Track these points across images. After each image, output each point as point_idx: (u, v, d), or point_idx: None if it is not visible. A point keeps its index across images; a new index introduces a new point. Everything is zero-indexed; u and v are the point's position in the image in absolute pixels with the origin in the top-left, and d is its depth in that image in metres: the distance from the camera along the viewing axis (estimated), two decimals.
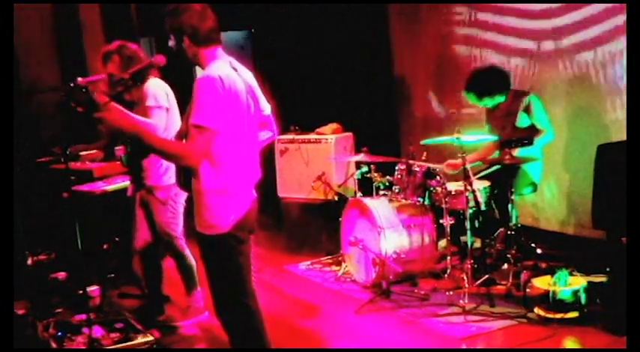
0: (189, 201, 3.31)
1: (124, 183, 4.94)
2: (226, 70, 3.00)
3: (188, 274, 4.59)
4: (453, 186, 4.94)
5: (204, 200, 3.03)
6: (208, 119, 2.87)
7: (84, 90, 3.27)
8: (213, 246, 3.07)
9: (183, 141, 3.16)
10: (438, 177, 4.96)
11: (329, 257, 5.86)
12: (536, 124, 5.09)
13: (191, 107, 2.94)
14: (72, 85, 3.42)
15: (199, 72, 3.11)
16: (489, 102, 5.21)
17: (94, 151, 5.40)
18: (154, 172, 4.33)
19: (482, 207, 4.81)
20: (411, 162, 5.18)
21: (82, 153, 5.43)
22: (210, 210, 3.02)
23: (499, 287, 4.73)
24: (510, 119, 5.17)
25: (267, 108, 3.36)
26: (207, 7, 3.09)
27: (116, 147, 4.83)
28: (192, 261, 4.54)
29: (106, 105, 3.00)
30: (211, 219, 3.03)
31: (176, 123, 4.20)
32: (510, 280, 4.71)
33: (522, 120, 5.13)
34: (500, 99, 5.19)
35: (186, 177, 3.11)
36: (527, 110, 5.10)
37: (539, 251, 5.12)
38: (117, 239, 5.46)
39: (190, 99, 2.97)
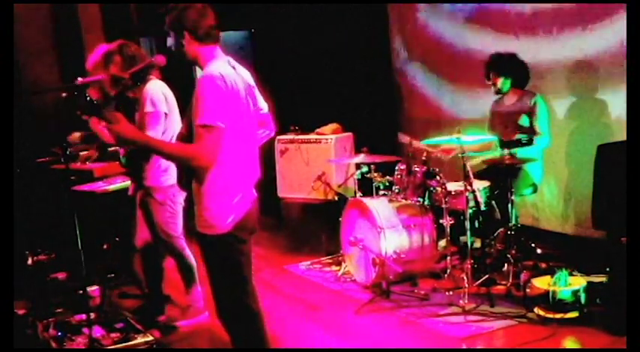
0: (189, 201, 3.30)
1: (124, 183, 4.94)
2: (226, 69, 3.00)
3: (188, 274, 4.59)
4: (453, 186, 4.94)
5: (205, 200, 3.03)
6: (215, 117, 2.86)
7: (87, 97, 3.27)
8: (214, 246, 3.07)
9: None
10: (438, 177, 4.96)
11: (329, 257, 5.86)
12: (536, 127, 5.10)
13: (193, 108, 2.93)
14: (75, 92, 3.41)
15: (199, 72, 3.10)
16: (502, 82, 5.21)
17: (89, 151, 5.40)
18: (153, 173, 4.32)
19: (482, 207, 4.81)
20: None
21: (81, 153, 5.44)
22: (211, 210, 3.02)
23: (499, 287, 4.72)
24: (514, 118, 5.17)
25: (265, 106, 3.37)
26: (207, 5, 3.10)
27: (114, 148, 4.84)
28: (192, 260, 4.54)
29: (115, 116, 3.00)
30: (211, 219, 3.03)
31: (176, 125, 4.20)
32: (510, 280, 4.71)
33: (524, 122, 5.14)
34: (507, 85, 5.22)
35: (187, 177, 3.10)
36: (531, 111, 5.10)
37: (539, 251, 5.12)
38: (117, 239, 5.46)
39: (191, 100, 2.96)
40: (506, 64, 5.26)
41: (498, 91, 5.29)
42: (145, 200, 4.42)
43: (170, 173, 4.24)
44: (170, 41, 3.10)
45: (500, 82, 5.22)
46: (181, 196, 4.34)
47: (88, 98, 3.26)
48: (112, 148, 5.27)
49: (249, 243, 3.17)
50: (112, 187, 4.99)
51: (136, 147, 3.44)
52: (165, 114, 4.20)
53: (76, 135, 5.39)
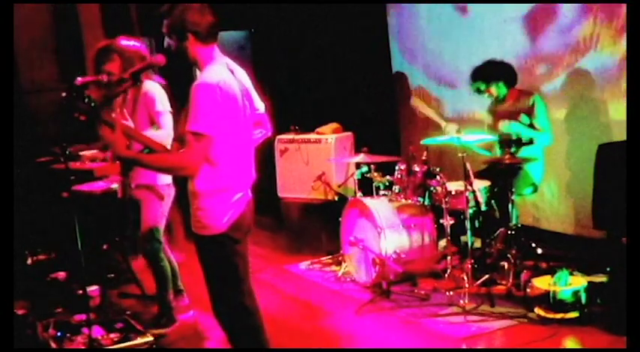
0: (185, 202, 3.30)
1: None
2: (224, 74, 2.99)
3: (164, 280, 4.53)
4: (453, 186, 4.94)
5: (200, 201, 3.03)
6: (205, 126, 2.86)
7: (86, 99, 3.27)
8: (210, 247, 3.07)
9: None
10: (438, 177, 4.96)
11: (329, 257, 5.86)
12: (536, 126, 5.09)
13: (187, 112, 2.93)
14: (74, 93, 3.41)
15: (198, 72, 3.10)
16: (495, 89, 5.21)
17: (94, 151, 5.40)
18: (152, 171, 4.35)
19: (483, 207, 4.81)
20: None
21: (82, 153, 5.43)
22: (206, 210, 3.03)
23: (499, 287, 4.73)
24: (514, 118, 5.16)
25: (261, 106, 3.37)
26: (206, 5, 3.10)
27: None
28: (167, 266, 4.54)
29: (115, 122, 3.02)
30: (206, 220, 3.03)
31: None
32: (510, 280, 4.71)
33: (524, 122, 5.13)
34: (502, 88, 5.20)
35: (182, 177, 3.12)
36: (529, 111, 5.09)
37: (539, 251, 5.11)
38: (117, 239, 5.46)
39: (187, 104, 2.96)
40: (490, 70, 5.24)
41: (497, 99, 5.28)
42: (139, 197, 4.41)
43: None
44: (168, 42, 3.09)
45: (494, 90, 5.21)
46: (172, 196, 4.40)
47: (86, 99, 3.26)
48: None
49: (245, 243, 3.17)
50: (115, 186, 4.98)
51: (123, 161, 3.48)
52: (170, 111, 4.26)
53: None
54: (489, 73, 5.24)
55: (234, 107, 3.00)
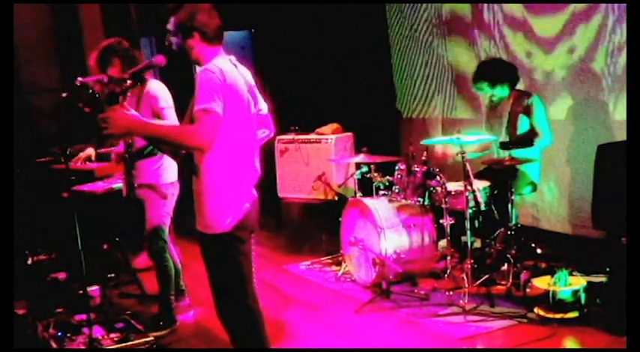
0: (190, 201, 3.30)
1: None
2: (226, 65, 3.01)
3: (167, 281, 4.53)
4: (453, 186, 4.94)
5: (205, 199, 3.03)
6: (212, 104, 2.86)
7: (90, 90, 3.27)
8: (214, 246, 3.07)
9: None
10: (438, 177, 4.96)
11: (329, 257, 5.86)
12: (535, 127, 5.07)
13: (194, 101, 2.93)
14: (78, 84, 3.41)
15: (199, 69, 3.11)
16: (500, 91, 5.15)
17: (88, 151, 5.39)
18: (154, 170, 4.35)
19: (482, 207, 4.81)
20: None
21: (79, 154, 5.43)
22: (211, 209, 3.03)
23: (499, 287, 4.73)
24: (511, 119, 5.16)
25: (264, 107, 3.37)
26: (213, 6, 3.11)
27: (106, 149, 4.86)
28: (177, 262, 4.54)
29: (112, 108, 3.00)
30: (211, 219, 3.03)
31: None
32: (510, 280, 4.71)
33: (522, 122, 5.11)
34: (506, 90, 5.16)
35: (187, 175, 3.11)
36: (527, 111, 5.07)
37: (539, 251, 5.11)
38: (117, 239, 5.46)
39: (192, 96, 2.96)
40: (496, 71, 5.15)
41: (500, 100, 5.21)
42: (143, 197, 4.41)
43: (169, 171, 4.33)
44: (172, 40, 3.09)
45: (497, 91, 5.15)
46: (176, 196, 4.40)
47: (91, 90, 3.26)
48: (104, 149, 5.28)
49: (249, 242, 3.17)
50: (116, 186, 4.98)
51: (136, 135, 3.46)
52: (172, 107, 4.28)
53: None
54: (496, 74, 5.13)
55: (238, 97, 3.00)
